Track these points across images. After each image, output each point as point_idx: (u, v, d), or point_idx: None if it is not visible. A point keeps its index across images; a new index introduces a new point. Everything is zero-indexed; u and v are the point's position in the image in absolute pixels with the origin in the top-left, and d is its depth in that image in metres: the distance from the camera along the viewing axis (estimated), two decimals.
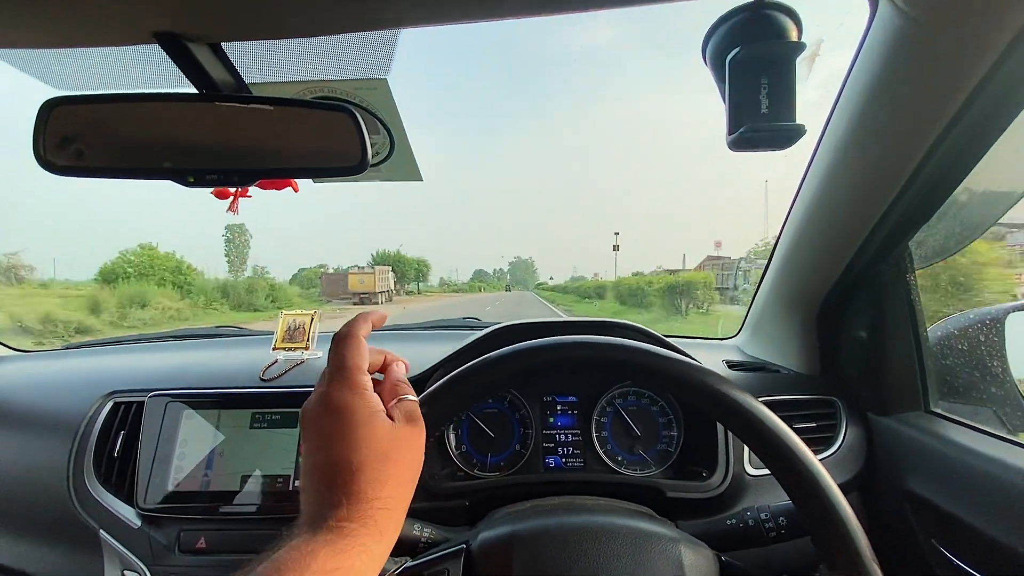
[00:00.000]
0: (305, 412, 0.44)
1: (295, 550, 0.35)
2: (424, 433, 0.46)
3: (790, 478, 0.50)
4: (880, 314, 0.85)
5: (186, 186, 0.66)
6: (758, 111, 0.53)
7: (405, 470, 0.43)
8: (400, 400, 0.46)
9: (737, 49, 0.52)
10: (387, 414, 0.44)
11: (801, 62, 0.56)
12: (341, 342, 0.46)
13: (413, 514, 0.67)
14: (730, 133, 0.54)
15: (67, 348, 1.33)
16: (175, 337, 1.35)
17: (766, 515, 0.64)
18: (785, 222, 0.90)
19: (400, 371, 0.50)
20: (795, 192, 0.84)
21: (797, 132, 0.53)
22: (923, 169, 0.64)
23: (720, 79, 0.58)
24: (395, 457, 0.42)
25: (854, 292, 0.88)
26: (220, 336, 1.33)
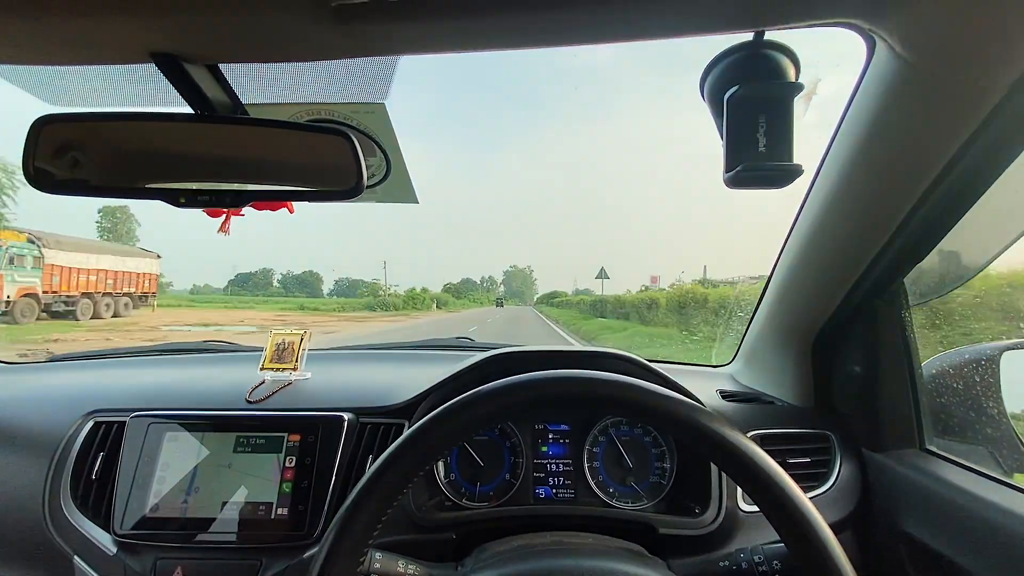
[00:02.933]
0: None
1: None
2: None
3: (781, 518, 0.48)
4: (875, 349, 0.85)
5: (177, 207, 0.65)
6: (756, 149, 0.53)
7: None
8: None
9: (736, 87, 0.53)
10: None
11: (798, 99, 0.56)
12: None
13: (398, 548, 0.66)
14: (727, 171, 0.54)
15: (51, 360, 1.30)
16: (162, 352, 1.32)
17: (760, 557, 0.62)
18: (781, 252, 0.90)
19: None
20: (791, 223, 0.83)
21: (794, 172, 0.53)
22: (920, 208, 0.64)
23: (718, 114, 0.58)
24: None
25: (849, 326, 0.87)
26: (207, 351, 1.31)
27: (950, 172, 0.59)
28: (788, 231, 0.85)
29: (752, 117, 0.53)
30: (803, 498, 0.48)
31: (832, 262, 0.79)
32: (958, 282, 0.76)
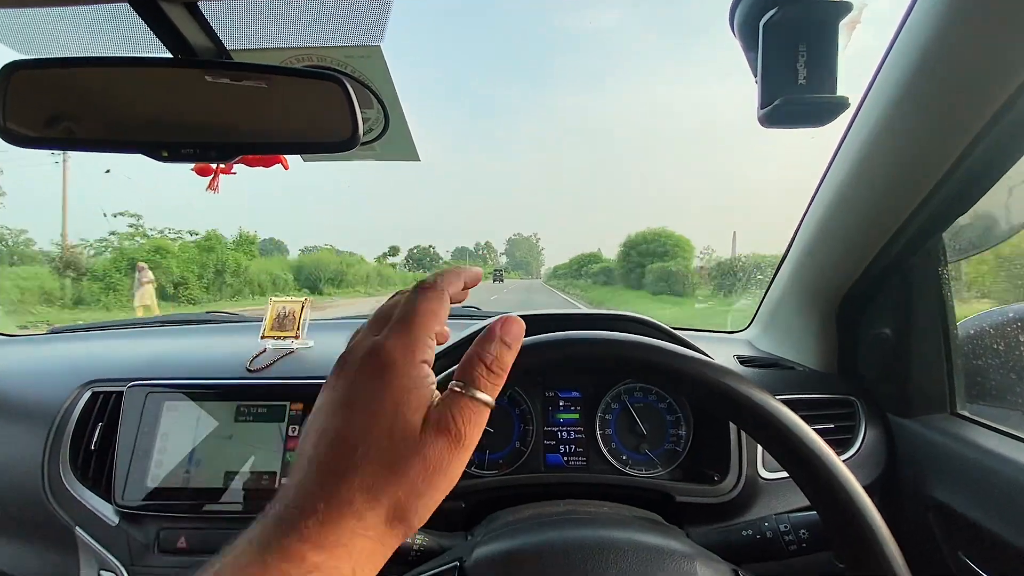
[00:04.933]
0: (343, 358, 0.32)
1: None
2: (463, 451, 0.30)
3: (811, 481, 0.44)
4: (907, 309, 0.80)
5: (159, 160, 0.60)
6: (795, 82, 0.47)
7: (422, 487, 0.29)
8: (457, 394, 0.31)
9: (774, 11, 0.46)
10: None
11: (840, 30, 0.50)
12: (423, 293, 0.33)
13: None
14: (763, 107, 0.48)
15: (52, 332, 1.28)
16: (164, 323, 1.30)
17: (786, 526, 0.59)
18: (807, 210, 0.84)
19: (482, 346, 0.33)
20: (821, 175, 0.78)
21: (840, 105, 0.47)
22: (970, 154, 0.58)
23: (751, 47, 0.51)
24: (418, 463, 0.29)
25: (880, 285, 0.82)
26: (210, 322, 1.28)
27: (1012, 106, 0.52)
28: (818, 183, 0.79)
29: (791, 45, 0.47)
30: (836, 460, 0.44)
31: (867, 215, 0.73)
32: (1006, 235, 0.71)
